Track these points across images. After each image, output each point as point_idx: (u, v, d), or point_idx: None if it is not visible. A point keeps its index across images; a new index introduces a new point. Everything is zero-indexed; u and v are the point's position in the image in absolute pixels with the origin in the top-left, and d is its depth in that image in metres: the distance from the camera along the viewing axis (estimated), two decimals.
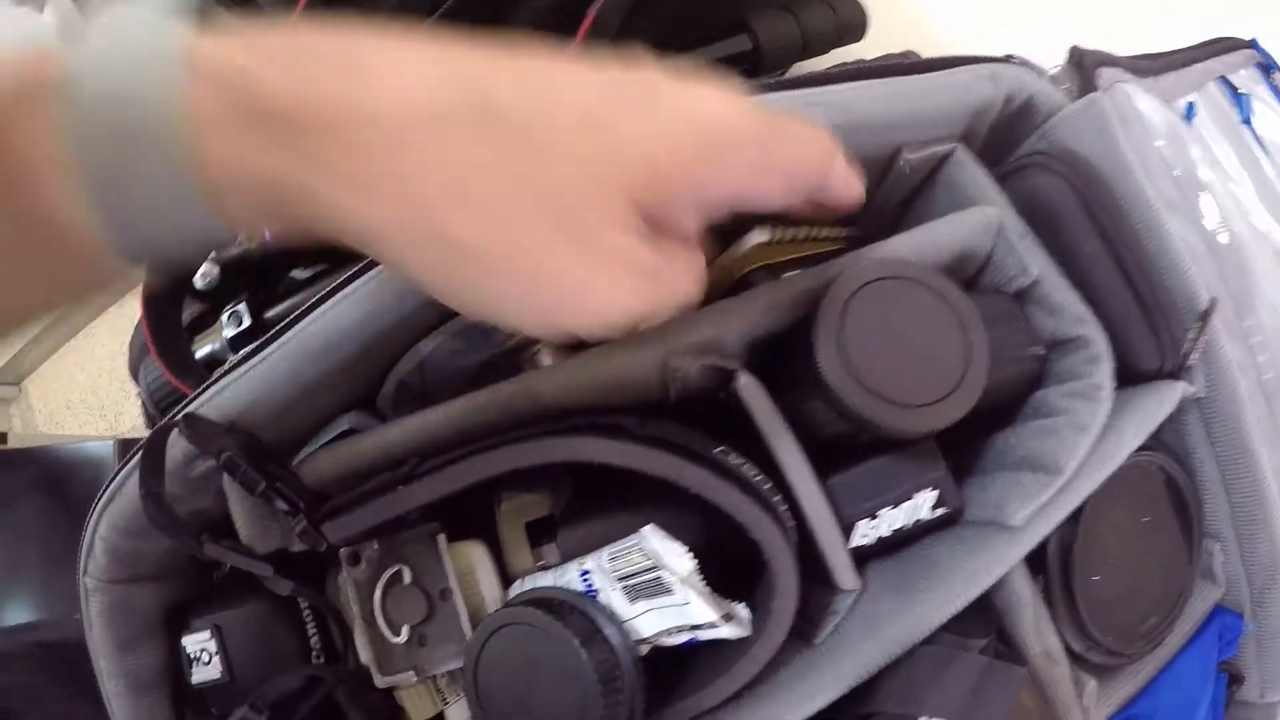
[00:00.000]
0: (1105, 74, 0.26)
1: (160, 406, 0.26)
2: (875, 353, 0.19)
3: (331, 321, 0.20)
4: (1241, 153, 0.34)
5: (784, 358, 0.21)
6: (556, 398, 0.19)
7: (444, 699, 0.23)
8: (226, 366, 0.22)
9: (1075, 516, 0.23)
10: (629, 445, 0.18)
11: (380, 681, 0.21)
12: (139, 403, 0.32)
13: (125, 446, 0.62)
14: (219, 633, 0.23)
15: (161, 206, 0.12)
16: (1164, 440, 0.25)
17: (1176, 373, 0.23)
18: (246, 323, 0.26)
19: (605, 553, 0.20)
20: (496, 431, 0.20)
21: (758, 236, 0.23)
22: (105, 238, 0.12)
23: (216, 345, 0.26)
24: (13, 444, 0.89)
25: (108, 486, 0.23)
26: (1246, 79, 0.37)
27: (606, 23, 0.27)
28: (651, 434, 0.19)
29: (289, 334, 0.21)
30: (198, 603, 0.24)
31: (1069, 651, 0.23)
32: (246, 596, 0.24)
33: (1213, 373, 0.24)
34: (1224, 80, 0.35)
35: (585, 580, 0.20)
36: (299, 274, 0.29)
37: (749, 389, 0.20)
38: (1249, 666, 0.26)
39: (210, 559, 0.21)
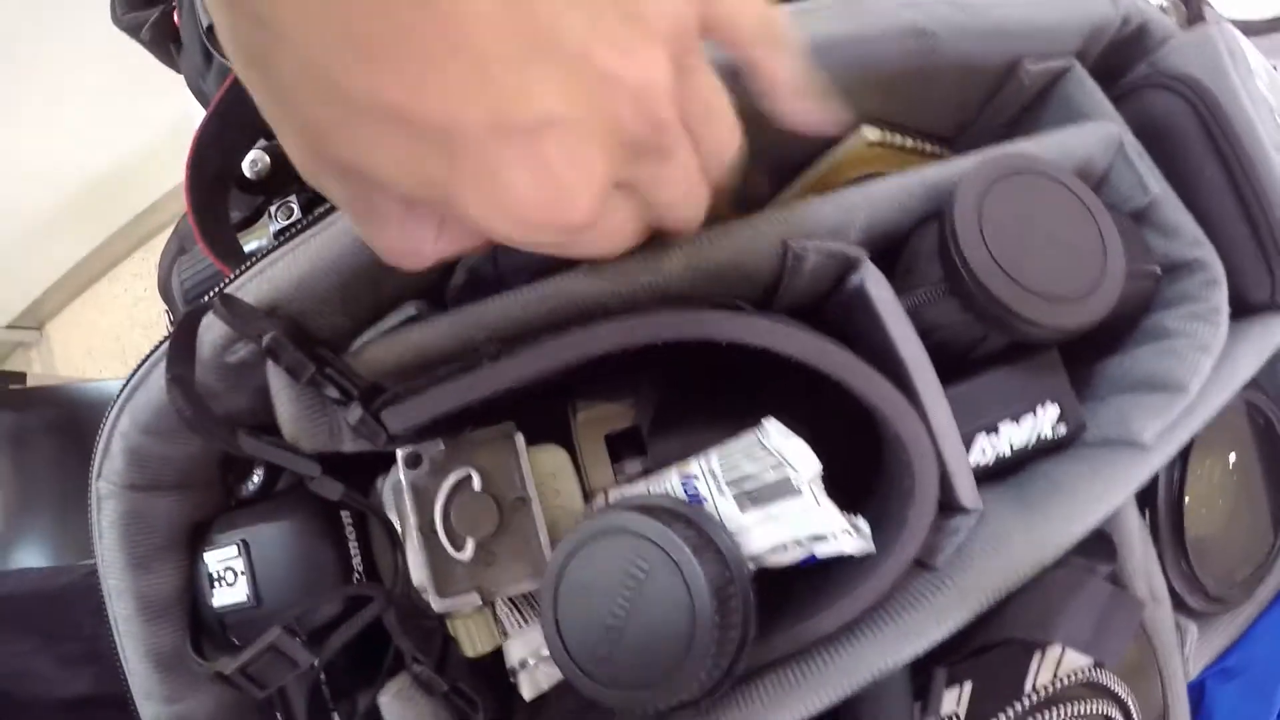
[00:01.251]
0: (1209, 12, 0.25)
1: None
2: (1016, 245, 0.17)
3: None
4: None
5: (899, 262, 0.19)
6: (669, 278, 0.17)
7: (503, 631, 0.20)
8: (273, 244, 0.19)
9: (1184, 455, 0.21)
10: (767, 322, 0.16)
11: (438, 605, 0.18)
12: (166, 322, 0.29)
13: None
14: (246, 549, 0.20)
15: None
16: (1260, 384, 0.24)
17: None
18: (296, 215, 0.23)
19: (715, 454, 0.17)
20: (594, 317, 0.17)
21: (868, 133, 0.22)
22: None
23: (263, 241, 0.23)
24: (32, 384, 0.85)
25: (131, 378, 0.20)
26: None
27: None
28: (775, 318, 0.16)
29: None
30: (220, 520, 0.21)
31: (1172, 593, 0.21)
32: (280, 511, 0.21)
33: None
34: None
35: (688, 487, 0.17)
36: None
37: (873, 278, 0.18)
38: None
39: (246, 456, 0.18)
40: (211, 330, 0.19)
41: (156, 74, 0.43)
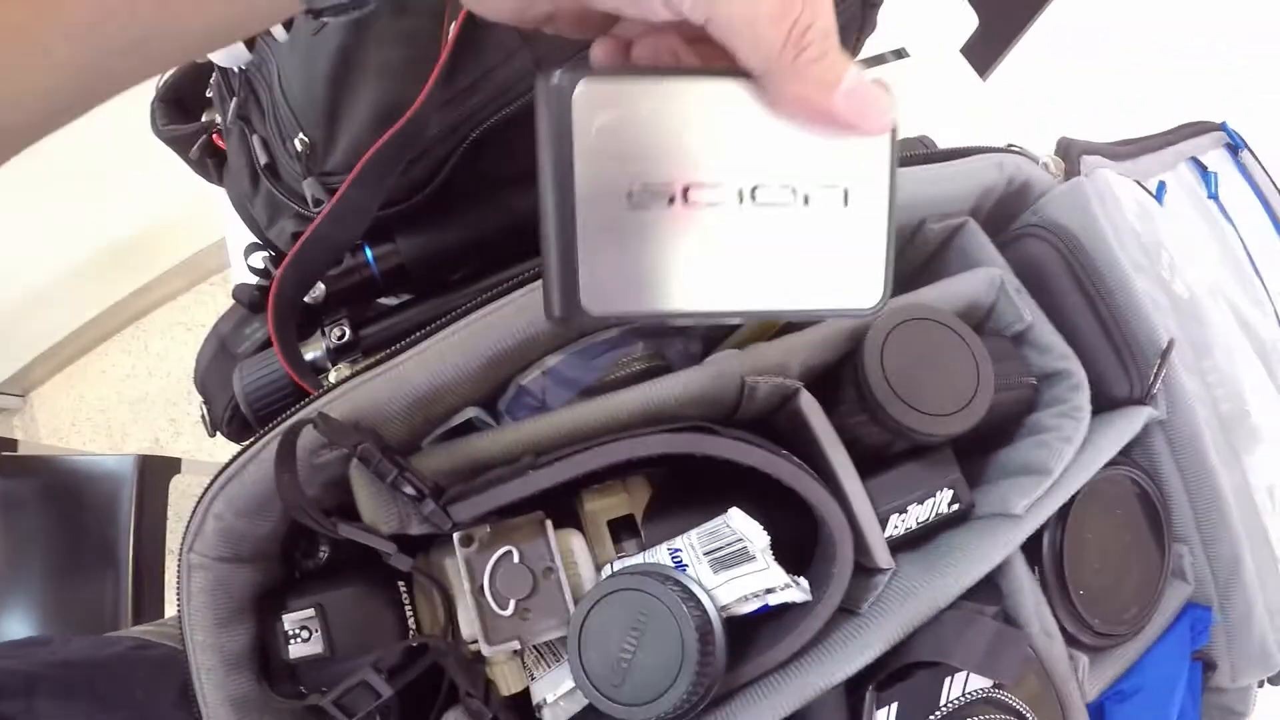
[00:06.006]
0: (1088, 160, 0.38)
1: (256, 409, 0.34)
2: (909, 375, 0.29)
3: (478, 332, 0.29)
4: (1210, 224, 0.48)
5: (829, 386, 0.31)
6: (663, 406, 0.28)
7: (531, 675, 0.31)
8: (353, 371, 0.30)
9: (1064, 521, 0.33)
10: (729, 441, 0.27)
11: (487, 650, 0.29)
12: (200, 414, 0.39)
13: (145, 462, 0.70)
14: (322, 611, 0.31)
15: None
16: (1136, 459, 0.36)
17: (1143, 400, 0.34)
18: (347, 334, 0.34)
19: (695, 533, 0.29)
20: (602, 435, 0.28)
21: None
22: None
23: (318, 354, 0.35)
24: (22, 452, 0.94)
25: (225, 469, 0.30)
26: (1216, 159, 0.51)
27: None
28: (737, 436, 0.28)
29: (427, 342, 0.30)
30: (293, 587, 0.32)
31: (1064, 632, 0.33)
32: (350, 579, 0.31)
33: (1174, 402, 0.36)
34: (1195, 160, 0.49)
35: (675, 557, 0.28)
36: (387, 301, 0.38)
37: (808, 403, 0.29)
38: (1220, 655, 0.37)
39: (341, 538, 0.29)
40: (303, 438, 0.30)
41: (158, 160, 0.53)
